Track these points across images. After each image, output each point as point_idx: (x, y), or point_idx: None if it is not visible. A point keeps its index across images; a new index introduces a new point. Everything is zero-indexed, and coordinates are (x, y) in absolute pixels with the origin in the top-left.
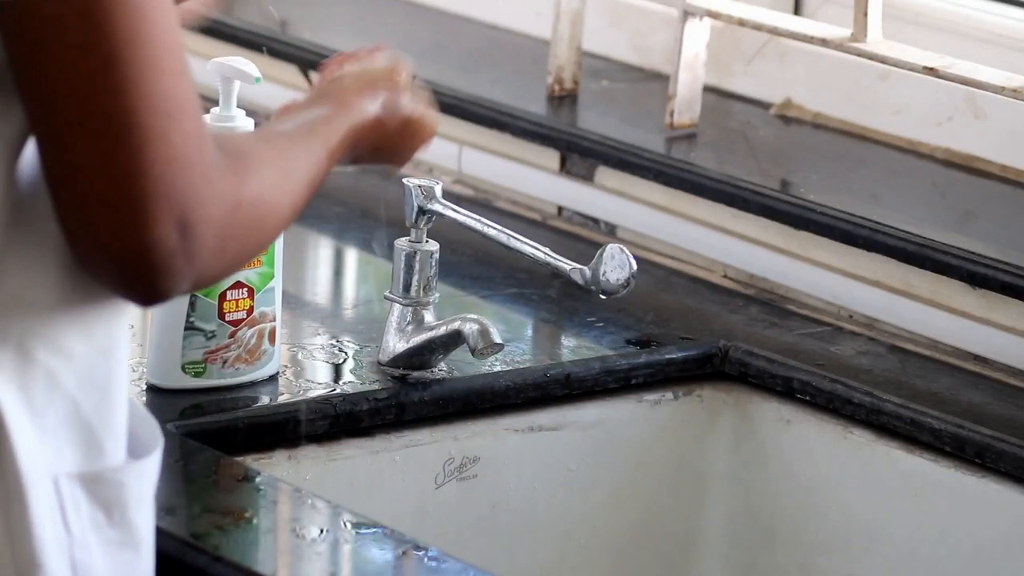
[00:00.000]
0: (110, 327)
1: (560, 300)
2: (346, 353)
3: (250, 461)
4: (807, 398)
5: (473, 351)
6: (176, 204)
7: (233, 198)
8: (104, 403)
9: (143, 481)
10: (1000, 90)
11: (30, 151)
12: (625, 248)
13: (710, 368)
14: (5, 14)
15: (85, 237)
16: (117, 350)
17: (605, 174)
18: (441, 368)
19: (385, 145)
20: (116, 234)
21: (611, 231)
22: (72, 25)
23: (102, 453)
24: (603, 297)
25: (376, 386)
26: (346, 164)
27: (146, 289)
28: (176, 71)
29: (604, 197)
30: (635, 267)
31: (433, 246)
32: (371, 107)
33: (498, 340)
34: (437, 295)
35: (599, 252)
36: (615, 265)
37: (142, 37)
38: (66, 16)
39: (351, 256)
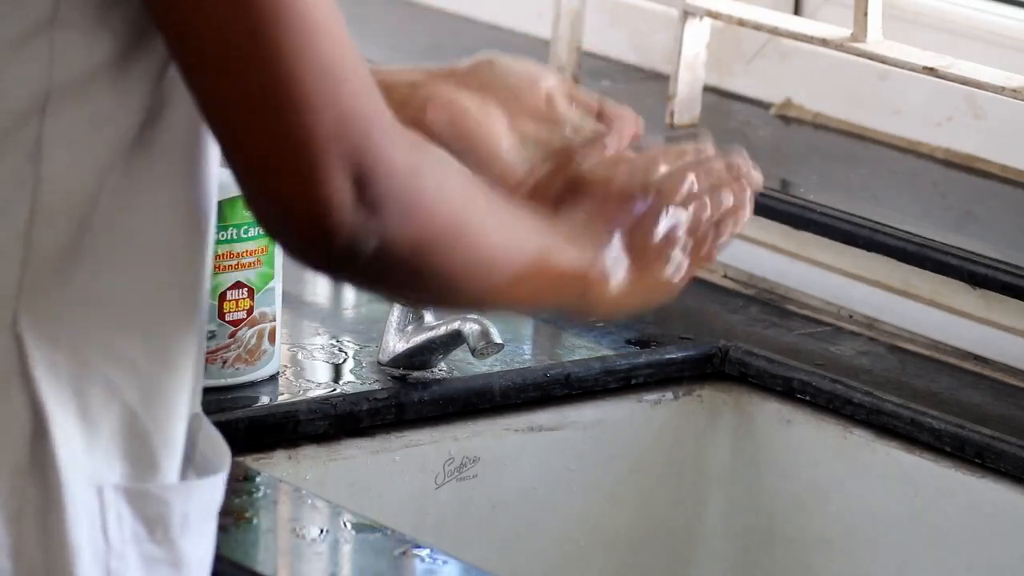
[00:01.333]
0: (180, 343)
1: None
2: (346, 353)
3: (250, 461)
4: (807, 398)
5: (473, 351)
6: (351, 160)
7: (412, 158)
8: (167, 420)
9: (193, 502)
10: (1000, 90)
11: (111, 148)
12: None
13: (710, 368)
14: None
15: (264, 204)
16: (186, 367)
17: None
18: (441, 368)
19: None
20: (293, 198)
21: None
22: None
23: (155, 469)
24: None
25: (376, 386)
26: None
27: (328, 249)
28: (334, 34)
29: None
30: None
31: None
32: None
33: (498, 340)
34: None
35: None
36: None
37: (294, 2)
38: None
39: None
